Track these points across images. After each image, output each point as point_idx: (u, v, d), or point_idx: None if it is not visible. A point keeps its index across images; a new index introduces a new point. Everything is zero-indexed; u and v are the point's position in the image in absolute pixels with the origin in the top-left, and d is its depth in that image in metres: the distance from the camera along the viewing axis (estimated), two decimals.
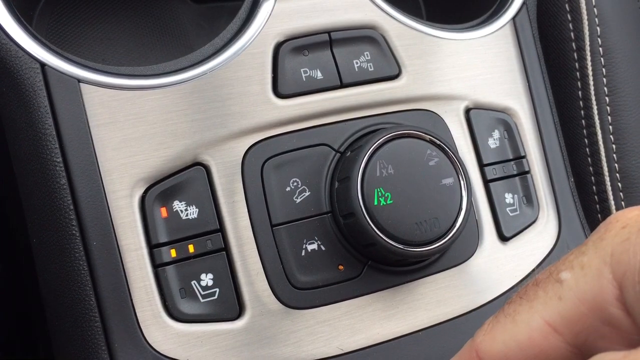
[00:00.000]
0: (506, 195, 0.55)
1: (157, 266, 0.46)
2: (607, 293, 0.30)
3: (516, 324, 0.32)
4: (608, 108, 0.67)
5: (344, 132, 0.51)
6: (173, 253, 0.46)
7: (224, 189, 0.48)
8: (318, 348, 0.48)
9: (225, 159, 0.48)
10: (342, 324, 0.49)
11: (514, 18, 0.59)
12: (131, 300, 0.45)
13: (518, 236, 0.55)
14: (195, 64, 0.49)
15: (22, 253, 0.52)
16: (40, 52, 0.46)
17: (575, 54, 0.67)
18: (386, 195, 0.47)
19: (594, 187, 0.68)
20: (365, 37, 0.53)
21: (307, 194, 0.49)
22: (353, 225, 0.47)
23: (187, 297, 0.46)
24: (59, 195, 0.45)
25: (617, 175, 0.68)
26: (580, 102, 0.67)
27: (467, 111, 0.56)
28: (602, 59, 0.67)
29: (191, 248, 0.46)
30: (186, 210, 0.47)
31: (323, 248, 0.49)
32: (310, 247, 0.49)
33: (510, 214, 0.55)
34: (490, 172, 0.55)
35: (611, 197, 0.67)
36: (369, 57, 0.53)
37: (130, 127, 0.46)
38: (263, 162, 0.49)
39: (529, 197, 0.56)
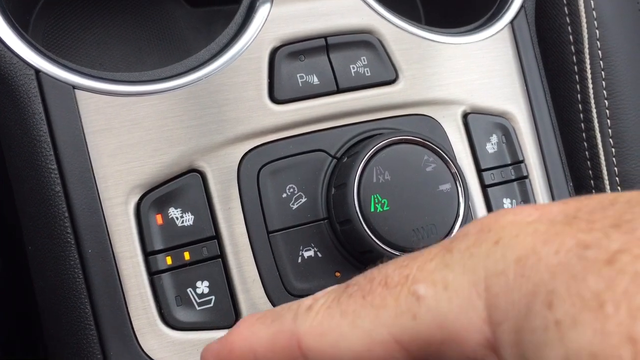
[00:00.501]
0: (504, 200, 0.55)
1: (153, 274, 0.46)
2: (476, 333, 0.25)
3: (355, 329, 0.28)
4: (607, 111, 0.67)
5: (340, 137, 0.51)
6: (169, 260, 0.46)
7: (219, 196, 0.48)
8: None
9: (221, 165, 0.48)
10: None
11: (512, 22, 0.59)
12: (126, 308, 0.45)
13: None
14: (191, 70, 0.49)
15: (21, 252, 0.52)
16: (34, 58, 0.46)
17: (574, 57, 0.67)
18: (383, 202, 0.47)
19: (594, 191, 0.67)
20: (362, 41, 0.53)
21: (304, 200, 0.49)
22: (349, 231, 0.47)
23: (183, 304, 0.46)
24: (53, 202, 0.45)
25: (617, 178, 0.67)
26: (579, 106, 0.67)
27: (465, 116, 0.56)
28: (601, 62, 0.67)
29: (187, 255, 0.46)
30: (182, 217, 0.47)
31: (319, 255, 0.49)
32: (306, 254, 0.48)
33: None
34: (489, 177, 0.55)
35: None
36: (366, 62, 0.53)
37: (126, 134, 0.46)
38: (259, 168, 0.49)
39: (527, 202, 0.56)
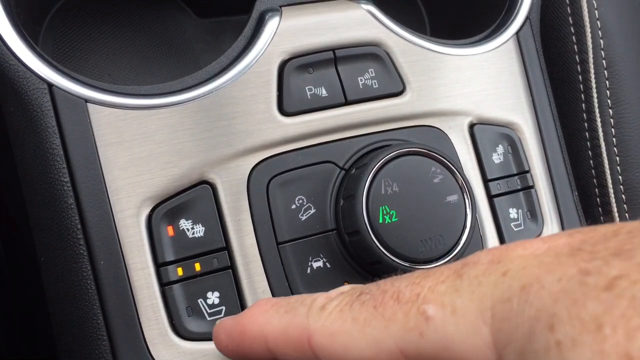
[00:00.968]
0: (510, 210, 0.56)
1: (164, 285, 0.46)
2: (481, 357, 0.27)
3: (365, 335, 0.30)
4: (612, 120, 0.68)
5: (348, 149, 0.51)
6: (180, 271, 0.46)
7: (229, 207, 0.48)
8: None
9: (231, 177, 0.49)
10: None
11: (517, 33, 0.60)
12: (138, 318, 0.45)
13: None
14: (201, 83, 0.49)
15: (30, 261, 0.53)
16: (47, 72, 0.46)
17: (578, 67, 0.68)
18: (391, 213, 0.47)
19: (598, 199, 0.68)
20: (370, 54, 0.53)
21: (313, 211, 0.50)
22: (358, 242, 0.48)
23: (194, 315, 0.46)
24: (66, 214, 0.45)
25: (621, 187, 0.68)
26: (584, 115, 0.68)
27: (471, 126, 0.56)
28: (605, 71, 0.67)
29: (197, 266, 0.47)
30: (192, 228, 0.47)
31: (328, 265, 0.49)
32: (315, 265, 0.49)
33: (515, 229, 0.55)
34: (495, 188, 0.56)
35: (615, 210, 0.67)
36: (374, 74, 0.53)
37: (137, 147, 0.47)
38: (269, 180, 0.49)
39: (533, 212, 0.56)
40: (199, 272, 0.47)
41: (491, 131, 0.57)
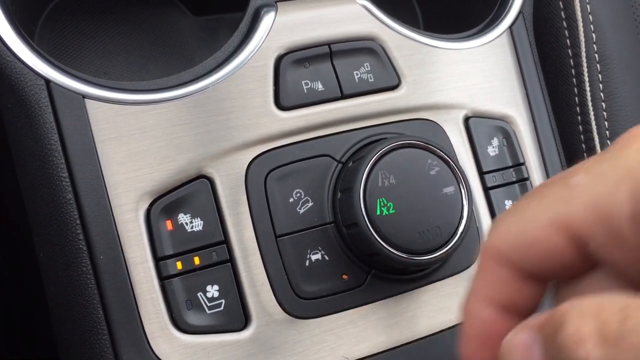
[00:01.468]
0: (506, 202, 0.56)
1: (164, 279, 0.46)
2: (622, 207, 0.30)
3: (524, 220, 0.32)
4: (605, 113, 0.68)
5: (345, 142, 0.52)
6: (179, 265, 0.47)
7: (228, 201, 0.48)
8: (323, 357, 0.49)
9: (229, 171, 0.49)
10: (347, 333, 0.49)
11: (510, 27, 0.60)
12: (138, 312, 0.45)
13: None
14: (198, 78, 0.50)
15: (28, 258, 0.53)
16: (44, 68, 0.47)
17: (571, 61, 0.68)
18: (388, 205, 0.48)
19: None
20: (365, 48, 0.54)
21: (310, 204, 0.50)
22: (356, 235, 0.48)
23: (194, 308, 0.47)
24: (65, 210, 0.46)
25: None
26: (577, 108, 0.68)
27: (467, 120, 0.57)
28: (598, 65, 0.68)
29: (197, 260, 0.47)
30: (191, 222, 0.47)
31: (327, 258, 0.50)
32: (314, 257, 0.49)
33: None
34: (490, 180, 0.56)
35: None
36: (369, 68, 0.54)
37: (135, 142, 0.47)
38: (266, 173, 0.50)
39: None
40: (198, 266, 0.47)
41: (486, 124, 0.57)
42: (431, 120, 0.55)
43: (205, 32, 0.69)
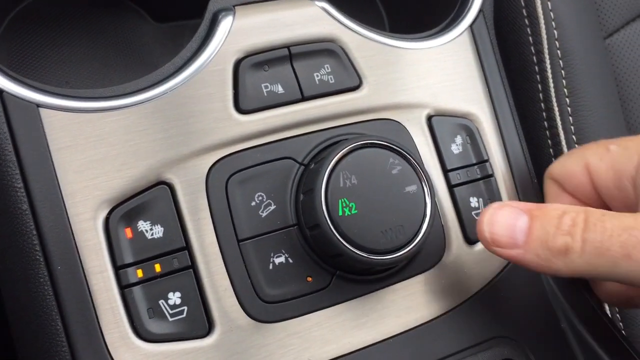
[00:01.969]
0: (471, 199, 0.56)
1: (124, 287, 0.46)
2: (629, 171, 0.50)
3: (572, 160, 0.54)
4: (569, 109, 0.69)
5: (307, 144, 0.52)
6: (139, 273, 0.46)
7: (188, 207, 0.48)
8: None
9: (189, 176, 0.48)
10: (313, 336, 0.49)
11: (471, 25, 0.61)
12: (98, 322, 0.45)
13: None
14: (155, 84, 0.49)
15: None
16: None
17: (534, 57, 0.69)
18: (350, 205, 0.48)
19: None
20: (325, 50, 0.54)
21: (273, 207, 0.50)
22: (319, 236, 0.48)
23: (156, 316, 0.46)
24: (21, 220, 0.45)
25: None
26: (542, 104, 0.69)
27: (429, 118, 0.57)
28: (560, 61, 0.68)
29: (158, 267, 0.46)
30: (151, 229, 0.47)
31: (291, 260, 0.49)
32: (277, 261, 0.49)
33: (476, 218, 0.56)
34: (455, 177, 0.56)
35: None
36: (330, 70, 0.53)
37: (92, 149, 0.46)
38: (227, 178, 0.49)
39: (493, 200, 0.57)
40: (160, 273, 0.46)
41: (449, 122, 0.57)
42: (393, 120, 0.55)
43: (169, 39, 0.69)
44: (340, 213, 0.47)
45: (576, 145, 0.68)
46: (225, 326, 0.47)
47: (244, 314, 0.48)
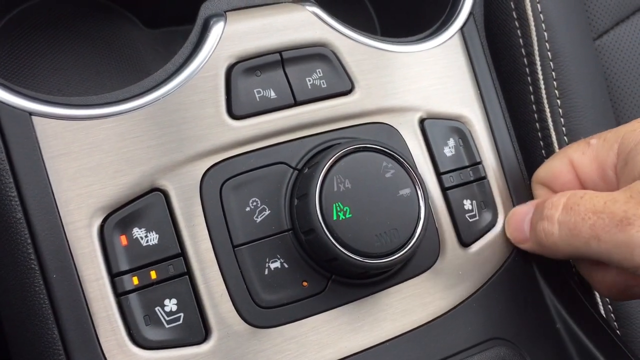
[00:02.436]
0: (464, 201, 0.56)
1: (120, 295, 0.46)
2: (610, 160, 0.52)
3: (556, 161, 0.56)
4: (560, 110, 0.69)
5: (300, 149, 0.52)
6: (135, 280, 0.46)
7: (183, 213, 0.48)
8: None
9: (183, 183, 0.48)
10: (309, 340, 0.49)
11: (461, 28, 0.61)
12: (95, 330, 0.45)
13: (478, 241, 0.56)
14: (147, 91, 0.49)
15: None
16: None
17: (525, 60, 0.69)
18: (345, 210, 0.48)
19: None
20: (317, 54, 0.54)
21: (267, 212, 0.50)
22: (314, 241, 0.48)
23: (152, 323, 0.46)
24: (15, 229, 0.45)
25: None
26: (533, 106, 0.69)
27: (422, 121, 0.57)
28: (551, 63, 0.69)
29: (153, 274, 0.46)
30: (146, 236, 0.47)
31: (286, 265, 0.49)
32: (273, 266, 0.49)
33: (470, 220, 0.56)
34: (448, 180, 0.56)
35: None
36: (322, 74, 0.54)
37: (85, 157, 0.46)
38: (221, 183, 0.49)
39: (487, 202, 0.57)
40: (155, 280, 0.46)
41: (441, 125, 0.58)
42: (386, 124, 0.55)
43: (161, 45, 0.69)
44: (335, 217, 0.47)
45: None
46: (222, 332, 0.47)
47: (240, 320, 0.48)
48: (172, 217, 0.48)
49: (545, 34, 0.69)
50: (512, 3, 0.69)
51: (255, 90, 0.51)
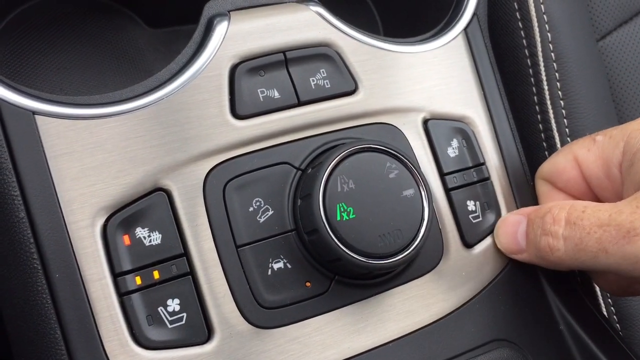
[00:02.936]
0: (468, 202, 0.56)
1: (122, 294, 0.45)
2: (616, 158, 0.51)
3: (561, 157, 0.56)
4: (563, 111, 0.69)
5: (304, 149, 0.52)
6: (138, 280, 0.46)
7: (186, 213, 0.48)
8: None
9: (187, 182, 0.48)
10: (313, 341, 0.49)
11: (465, 29, 0.61)
12: (97, 330, 0.44)
13: (482, 242, 0.56)
14: (151, 90, 0.49)
15: None
16: None
17: (528, 60, 0.69)
18: (348, 210, 0.48)
19: None
20: (320, 54, 0.54)
21: (271, 213, 0.49)
22: (317, 241, 0.48)
23: (155, 323, 0.46)
24: (18, 229, 0.44)
25: None
26: (537, 107, 0.69)
27: (425, 122, 0.57)
28: (554, 64, 0.69)
29: (156, 274, 0.46)
30: (149, 236, 0.47)
31: (289, 266, 0.49)
32: (276, 266, 0.49)
33: (473, 221, 0.56)
34: (451, 181, 0.56)
35: None
36: (325, 74, 0.54)
37: (88, 156, 0.46)
38: (225, 183, 0.49)
39: (490, 203, 0.57)
40: (158, 280, 0.46)
41: (445, 126, 0.58)
42: (390, 124, 0.55)
43: (163, 44, 0.69)
44: (338, 218, 0.47)
45: None
46: (225, 332, 0.47)
47: (243, 320, 0.47)
48: (175, 217, 0.48)
49: (549, 34, 0.69)
50: (515, 4, 0.69)
51: (258, 90, 0.51)
